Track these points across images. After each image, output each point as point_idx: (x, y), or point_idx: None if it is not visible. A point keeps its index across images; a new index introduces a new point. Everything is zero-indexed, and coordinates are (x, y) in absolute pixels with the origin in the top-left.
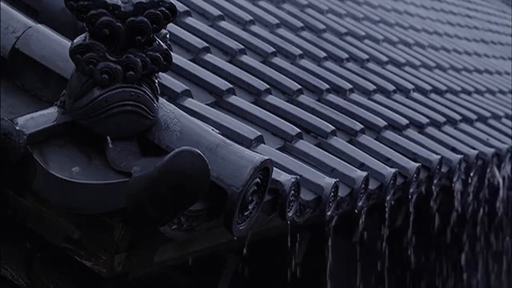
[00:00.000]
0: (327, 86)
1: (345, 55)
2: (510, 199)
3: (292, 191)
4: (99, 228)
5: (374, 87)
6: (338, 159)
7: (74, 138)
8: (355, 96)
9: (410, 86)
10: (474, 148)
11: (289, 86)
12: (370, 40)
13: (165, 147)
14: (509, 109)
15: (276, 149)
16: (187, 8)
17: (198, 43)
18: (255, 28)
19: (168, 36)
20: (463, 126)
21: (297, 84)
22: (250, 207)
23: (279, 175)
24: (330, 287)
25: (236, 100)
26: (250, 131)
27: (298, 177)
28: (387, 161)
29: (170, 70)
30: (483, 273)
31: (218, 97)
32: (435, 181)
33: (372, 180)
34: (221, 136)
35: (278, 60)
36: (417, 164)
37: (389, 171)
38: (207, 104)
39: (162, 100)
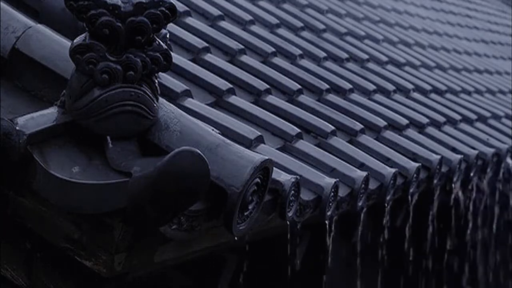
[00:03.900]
0: (327, 86)
1: (345, 55)
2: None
3: (292, 191)
4: (99, 228)
5: (374, 87)
6: (338, 159)
7: (74, 138)
8: (355, 96)
9: (410, 86)
10: (474, 148)
11: (289, 86)
12: (370, 40)
13: (165, 147)
14: (509, 109)
15: (276, 149)
16: (187, 8)
17: (198, 43)
18: (255, 28)
19: (168, 36)
20: (463, 126)
21: (297, 84)
22: (250, 207)
23: (279, 175)
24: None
25: (236, 100)
26: (250, 131)
27: (298, 177)
28: (387, 161)
29: (170, 70)
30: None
31: (218, 97)
32: (435, 181)
33: (372, 180)
34: (221, 136)
35: (278, 60)
36: (417, 164)
37: (389, 171)
38: (207, 104)
39: (162, 100)
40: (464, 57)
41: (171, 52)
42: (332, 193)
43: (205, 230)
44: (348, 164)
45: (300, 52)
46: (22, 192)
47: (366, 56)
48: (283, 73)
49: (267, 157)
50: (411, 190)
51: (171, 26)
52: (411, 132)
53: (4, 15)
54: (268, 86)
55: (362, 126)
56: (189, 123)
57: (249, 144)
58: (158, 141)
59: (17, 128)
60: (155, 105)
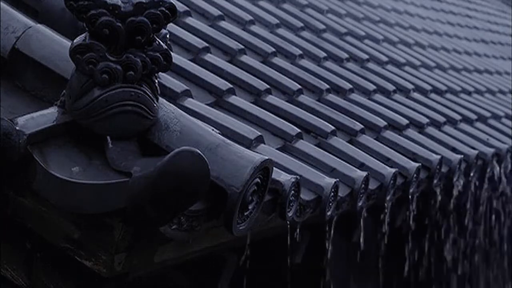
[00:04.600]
0: (327, 86)
1: (345, 55)
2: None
3: (292, 191)
4: (99, 228)
5: (374, 87)
6: (338, 159)
7: (74, 138)
8: (355, 96)
9: (410, 86)
10: (474, 148)
11: (289, 86)
12: (370, 40)
13: (165, 147)
14: (509, 109)
15: (276, 149)
16: (187, 8)
17: (198, 43)
18: (255, 28)
19: (168, 36)
20: (463, 126)
21: (297, 84)
22: (250, 207)
23: (279, 175)
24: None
25: (236, 100)
26: (250, 131)
27: (298, 177)
28: (387, 161)
29: (170, 70)
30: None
31: (218, 97)
32: (435, 181)
33: (372, 180)
34: (221, 136)
35: (278, 60)
36: (417, 164)
37: (389, 171)
38: (207, 104)
39: (162, 100)
40: (464, 57)
41: (171, 52)
42: (332, 193)
43: (205, 230)
44: (348, 164)
45: (300, 52)
46: (22, 192)
47: (366, 56)
48: (283, 73)
49: (267, 157)
50: (411, 190)
51: (171, 26)
52: (411, 132)
53: (4, 15)
54: (268, 86)
55: (362, 126)
56: (189, 123)
57: (249, 144)
58: (158, 141)
59: (17, 128)
60: (155, 105)
